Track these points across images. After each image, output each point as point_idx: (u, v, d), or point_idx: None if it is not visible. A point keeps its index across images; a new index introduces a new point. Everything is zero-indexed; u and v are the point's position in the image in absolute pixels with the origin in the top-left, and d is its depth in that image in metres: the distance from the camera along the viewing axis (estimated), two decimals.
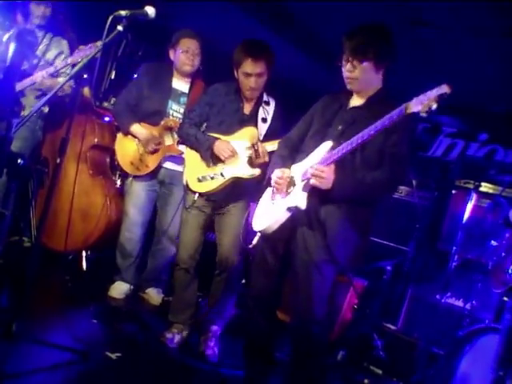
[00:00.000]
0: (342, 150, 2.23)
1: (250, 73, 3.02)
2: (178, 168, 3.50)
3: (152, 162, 3.56)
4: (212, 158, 3.05)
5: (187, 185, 3.13)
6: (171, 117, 3.55)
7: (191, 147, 3.15)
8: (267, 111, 3.12)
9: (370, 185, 2.29)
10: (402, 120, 2.08)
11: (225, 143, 3.01)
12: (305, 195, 2.31)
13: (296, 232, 2.37)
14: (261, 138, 3.10)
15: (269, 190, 2.57)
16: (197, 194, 3.10)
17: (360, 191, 2.29)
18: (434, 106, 1.98)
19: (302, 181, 2.33)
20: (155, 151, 3.54)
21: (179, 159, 3.48)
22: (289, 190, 2.40)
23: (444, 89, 2.00)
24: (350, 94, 2.48)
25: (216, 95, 3.17)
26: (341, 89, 2.48)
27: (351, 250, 2.36)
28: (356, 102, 2.46)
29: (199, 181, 3.08)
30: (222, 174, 3.03)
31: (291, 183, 2.42)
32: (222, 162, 3.04)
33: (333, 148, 2.31)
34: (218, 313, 3.25)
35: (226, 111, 3.12)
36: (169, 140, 3.55)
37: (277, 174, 2.43)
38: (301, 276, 2.34)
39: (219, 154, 3.00)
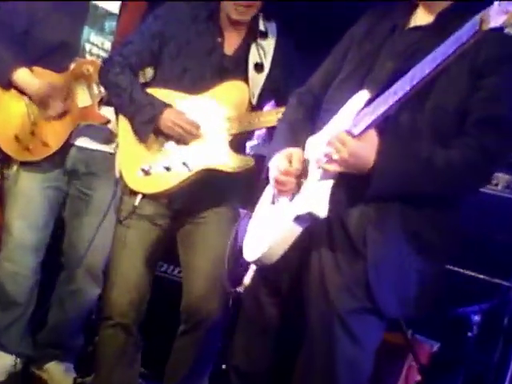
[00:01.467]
0: (380, 106, 1.79)
1: None
2: (103, 147, 2.88)
3: (54, 138, 2.84)
4: (162, 136, 2.57)
5: (122, 180, 2.62)
6: (88, 56, 2.85)
7: (122, 112, 2.62)
8: (264, 50, 2.64)
9: (444, 170, 1.86)
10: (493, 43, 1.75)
11: (179, 113, 2.55)
12: (326, 192, 1.87)
13: (310, 257, 1.95)
14: (254, 101, 2.62)
15: (269, 191, 2.15)
16: (139, 197, 2.56)
17: (425, 181, 1.87)
18: None
19: (320, 168, 1.92)
20: (60, 117, 2.82)
21: (104, 132, 2.84)
22: (300, 186, 1.99)
23: None
24: (410, 6, 2.07)
25: (174, 21, 2.63)
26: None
27: (411, 289, 1.92)
28: (422, 18, 2.02)
29: (144, 173, 2.56)
30: (185, 164, 2.54)
31: (304, 174, 1.99)
32: (184, 142, 2.56)
33: (370, 101, 1.87)
34: None
35: (192, 50, 2.61)
36: (84, 98, 2.85)
37: (279, 164, 2.01)
38: (316, 339, 1.92)
39: (170, 131, 2.53)
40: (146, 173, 2.54)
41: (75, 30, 2.80)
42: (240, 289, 2.20)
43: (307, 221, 1.94)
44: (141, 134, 2.53)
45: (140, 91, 2.56)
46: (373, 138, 1.84)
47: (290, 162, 2.01)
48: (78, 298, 2.99)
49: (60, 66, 2.79)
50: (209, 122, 2.55)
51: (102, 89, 2.71)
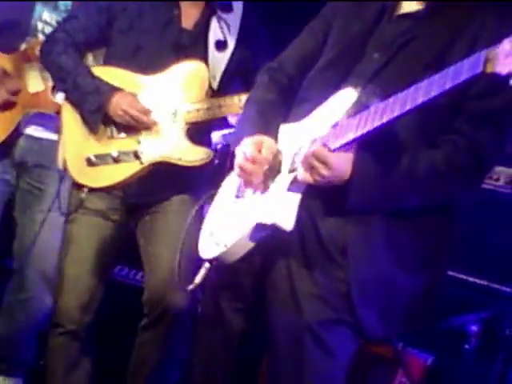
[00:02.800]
0: (365, 125, 1.73)
1: None
2: (55, 136, 2.71)
3: (2, 128, 2.73)
4: (112, 124, 2.44)
5: (66, 171, 2.51)
6: (41, 36, 2.72)
7: (68, 98, 2.50)
8: (227, 24, 2.50)
9: (428, 177, 1.81)
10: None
11: (130, 99, 2.39)
12: (295, 203, 1.80)
13: (277, 262, 1.90)
14: (215, 85, 2.48)
15: (232, 180, 2.04)
16: (85, 190, 2.45)
17: (407, 191, 1.81)
18: None
19: (291, 171, 1.85)
20: (6, 104, 2.70)
21: (53, 117, 2.70)
22: (269, 183, 1.91)
23: None
24: None
25: None
26: None
27: (398, 306, 1.87)
28: (410, 5, 1.94)
29: (90, 164, 2.44)
30: (135, 155, 2.42)
31: (273, 170, 1.90)
32: (136, 129, 2.43)
33: (354, 110, 1.82)
34: None
35: (145, 24, 2.47)
36: (36, 82, 2.74)
37: (247, 150, 1.90)
38: (283, 350, 1.87)
39: (119, 119, 2.38)
40: (93, 164, 2.41)
41: (26, 7, 2.68)
42: (191, 287, 2.06)
43: (270, 230, 1.86)
44: (90, 124, 2.42)
45: (86, 75, 2.42)
46: (348, 156, 1.81)
47: (260, 150, 1.90)
48: (30, 308, 2.84)
49: (9, 46, 2.66)
50: (164, 109, 2.43)
51: None
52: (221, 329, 2.06)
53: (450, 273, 2.90)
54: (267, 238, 1.89)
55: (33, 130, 2.74)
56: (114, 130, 2.45)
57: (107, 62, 2.50)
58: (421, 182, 1.86)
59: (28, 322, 2.85)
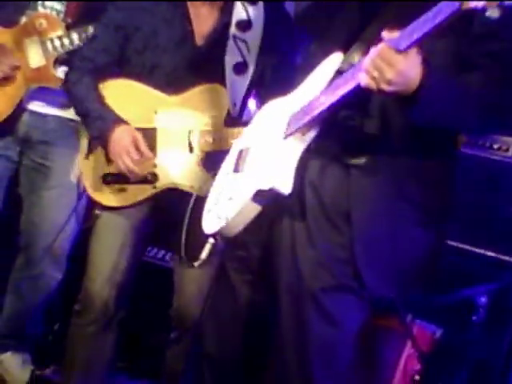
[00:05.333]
0: (425, 24, 1.59)
1: None
2: (59, 112, 2.74)
3: (3, 102, 2.71)
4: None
5: (82, 185, 2.54)
6: (41, 9, 2.70)
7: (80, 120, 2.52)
8: (244, 43, 2.38)
9: (483, 88, 1.73)
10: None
11: (127, 135, 2.31)
12: (291, 166, 1.84)
13: (281, 230, 1.90)
14: (235, 113, 2.38)
15: (229, 157, 2.13)
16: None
17: (467, 106, 1.74)
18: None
19: (287, 135, 1.86)
20: (8, 79, 2.69)
21: (61, 95, 2.66)
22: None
23: None
24: None
25: (137, 10, 2.40)
26: None
27: (405, 262, 1.85)
28: None
29: (105, 182, 2.41)
30: (149, 178, 2.38)
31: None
32: (153, 150, 2.39)
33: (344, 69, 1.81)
34: None
35: (159, 43, 2.38)
36: (37, 57, 2.67)
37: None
38: (287, 319, 1.86)
39: (114, 158, 2.33)
40: (108, 182, 2.41)
41: None
42: (197, 263, 2.13)
43: (269, 196, 1.88)
44: (93, 147, 2.41)
45: (94, 101, 2.38)
46: (417, 55, 1.68)
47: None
48: (37, 284, 2.85)
49: (8, 20, 2.63)
50: (180, 134, 2.38)
51: (58, 45, 2.57)
52: (231, 301, 2.06)
53: (459, 245, 2.98)
54: (268, 206, 1.89)
55: (37, 106, 2.71)
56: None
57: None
58: (478, 95, 1.81)
59: (35, 299, 2.86)
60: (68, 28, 2.61)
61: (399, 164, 1.81)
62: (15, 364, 2.88)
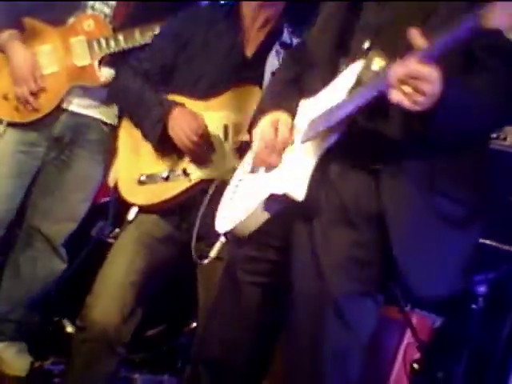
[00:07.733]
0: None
1: None
2: (90, 112, 2.76)
3: (45, 98, 2.69)
4: (167, 141, 2.41)
5: (116, 190, 2.50)
6: (90, 11, 2.75)
7: (129, 115, 2.47)
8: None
9: (487, 92, 1.70)
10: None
11: (188, 112, 2.34)
12: (307, 173, 1.75)
13: (299, 232, 1.85)
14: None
15: (248, 156, 2.05)
16: (134, 210, 2.42)
17: (480, 108, 1.70)
18: None
19: (304, 141, 1.81)
20: (54, 79, 2.73)
21: (101, 96, 2.72)
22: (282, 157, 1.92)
23: None
24: None
25: (191, 24, 2.47)
26: None
27: (444, 259, 1.80)
28: None
29: (140, 183, 2.43)
30: (185, 173, 2.39)
31: (290, 141, 1.89)
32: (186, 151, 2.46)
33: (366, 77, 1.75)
34: None
35: (208, 53, 2.44)
36: (83, 56, 2.70)
37: (265, 134, 1.87)
38: (301, 325, 1.81)
39: (175, 135, 2.33)
40: (143, 183, 2.44)
41: None
42: (206, 261, 2.13)
43: (282, 201, 1.83)
44: (149, 140, 2.41)
45: (150, 90, 2.42)
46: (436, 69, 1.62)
47: (277, 129, 1.90)
48: (36, 266, 2.81)
49: (57, 19, 2.67)
50: (215, 127, 2.42)
51: (104, 46, 2.61)
52: (238, 303, 2.03)
53: None
54: (280, 210, 1.86)
55: (76, 106, 2.73)
56: (166, 147, 2.44)
57: (170, 90, 2.50)
58: (492, 97, 1.74)
59: (33, 281, 2.82)
60: (114, 31, 2.63)
61: (429, 162, 1.77)
62: (11, 353, 2.84)
